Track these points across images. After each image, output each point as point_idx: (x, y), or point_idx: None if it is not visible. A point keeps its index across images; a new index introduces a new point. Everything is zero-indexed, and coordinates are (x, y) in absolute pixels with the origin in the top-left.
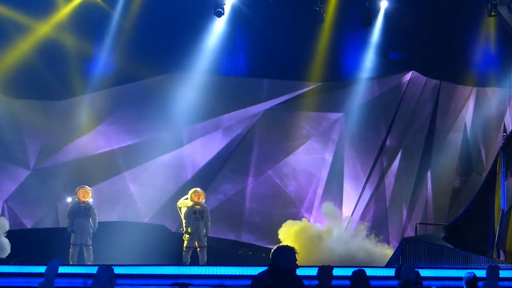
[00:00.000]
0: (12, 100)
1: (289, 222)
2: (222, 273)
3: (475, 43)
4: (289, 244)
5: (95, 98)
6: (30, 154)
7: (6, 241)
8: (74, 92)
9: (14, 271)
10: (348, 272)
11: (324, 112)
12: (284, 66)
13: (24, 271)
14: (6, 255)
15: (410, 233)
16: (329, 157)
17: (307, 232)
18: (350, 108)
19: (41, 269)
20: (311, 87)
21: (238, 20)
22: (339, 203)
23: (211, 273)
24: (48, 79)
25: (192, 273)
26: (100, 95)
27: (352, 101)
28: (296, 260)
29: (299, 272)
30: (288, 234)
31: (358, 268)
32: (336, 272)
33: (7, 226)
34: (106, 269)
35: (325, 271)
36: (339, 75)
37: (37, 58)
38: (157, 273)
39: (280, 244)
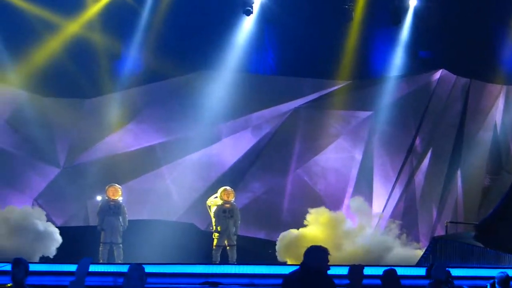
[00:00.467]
0: (42, 99)
1: (322, 209)
2: (252, 272)
3: (505, 41)
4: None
5: (124, 97)
6: (60, 152)
7: (55, 230)
8: (103, 90)
9: (45, 269)
10: (379, 271)
11: (353, 111)
12: (313, 64)
13: (54, 269)
14: (57, 245)
15: (440, 232)
16: (358, 156)
17: (339, 228)
18: (380, 107)
19: (72, 267)
20: (340, 86)
21: (267, 18)
22: (368, 201)
23: (241, 272)
24: (78, 77)
25: (222, 272)
26: (129, 94)
27: (381, 99)
28: (328, 260)
29: (330, 271)
30: (316, 221)
31: (389, 267)
32: (367, 271)
33: (43, 218)
34: (137, 268)
35: (356, 270)
36: (368, 73)
37: (66, 57)
38: (187, 271)
39: (313, 245)
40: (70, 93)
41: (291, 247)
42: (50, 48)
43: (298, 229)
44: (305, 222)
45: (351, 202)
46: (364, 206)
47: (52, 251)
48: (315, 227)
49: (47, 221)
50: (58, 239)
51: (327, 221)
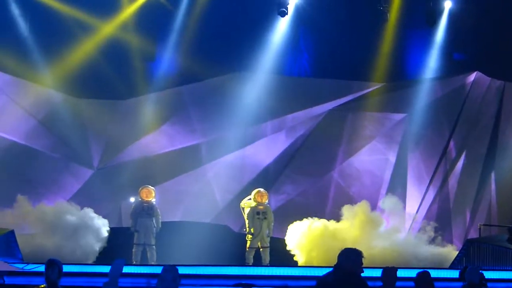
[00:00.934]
0: (77, 100)
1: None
2: (286, 273)
3: None
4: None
5: (159, 98)
6: (94, 153)
7: (103, 222)
8: (137, 91)
9: (78, 270)
10: (413, 273)
11: (387, 113)
12: (347, 66)
13: (88, 270)
14: (104, 242)
15: (473, 234)
16: (392, 158)
17: (374, 228)
18: (414, 109)
19: (105, 268)
20: (374, 88)
21: (302, 19)
22: (402, 204)
23: (274, 274)
24: (112, 78)
25: (255, 274)
26: (163, 95)
27: (415, 101)
28: (362, 263)
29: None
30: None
31: (423, 270)
32: (400, 273)
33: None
34: (170, 269)
35: (389, 272)
36: (402, 75)
37: (101, 58)
38: (220, 273)
39: (348, 247)
40: (105, 94)
41: (314, 239)
42: (84, 49)
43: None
44: (342, 217)
45: (385, 200)
46: (397, 206)
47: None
48: (350, 223)
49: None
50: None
51: (364, 219)
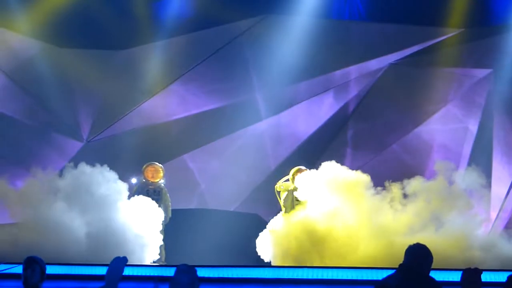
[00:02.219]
0: (60, 50)
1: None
2: (334, 277)
3: None
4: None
5: (167, 48)
6: (83, 121)
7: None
8: (139, 39)
9: (65, 272)
10: (502, 277)
11: (466, 68)
12: (414, 7)
13: (78, 272)
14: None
15: None
16: (473, 127)
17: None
18: (501, 63)
19: (101, 270)
20: (449, 35)
21: None
22: (486, 185)
23: (319, 278)
24: (107, 22)
25: (294, 277)
26: (173, 44)
27: (504, 54)
28: (432, 262)
29: (438, 276)
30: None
31: None
32: (485, 277)
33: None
34: (187, 270)
35: (471, 275)
36: (486, 19)
37: None
38: (250, 276)
39: (417, 243)
40: (96, 43)
41: None
42: None
43: None
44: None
45: (465, 174)
46: (480, 184)
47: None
48: (423, 204)
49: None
50: None
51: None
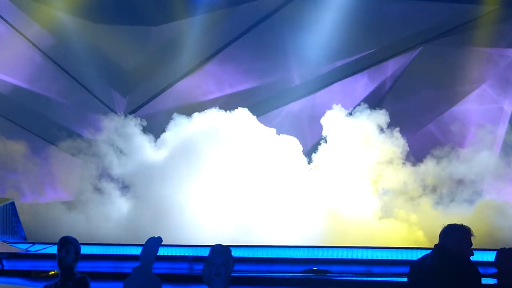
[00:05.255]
0: (95, 26)
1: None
2: (369, 257)
3: None
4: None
5: (203, 24)
6: (117, 101)
7: None
8: (175, 14)
9: (100, 252)
10: None
11: (502, 48)
12: None
13: (113, 252)
14: None
15: None
16: (508, 108)
17: None
18: None
19: (136, 250)
20: (485, 13)
21: None
22: None
23: (354, 257)
24: None
25: (330, 257)
26: (208, 20)
27: None
28: (471, 244)
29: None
30: None
31: None
32: None
33: None
34: (222, 250)
35: (506, 255)
36: None
37: None
38: (286, 256)
39: (453, 223)
40: (131, 18)
41: None
42: None
43: None
44: None
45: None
46: None
47: None
48: None
49: None
50: None
51: None
